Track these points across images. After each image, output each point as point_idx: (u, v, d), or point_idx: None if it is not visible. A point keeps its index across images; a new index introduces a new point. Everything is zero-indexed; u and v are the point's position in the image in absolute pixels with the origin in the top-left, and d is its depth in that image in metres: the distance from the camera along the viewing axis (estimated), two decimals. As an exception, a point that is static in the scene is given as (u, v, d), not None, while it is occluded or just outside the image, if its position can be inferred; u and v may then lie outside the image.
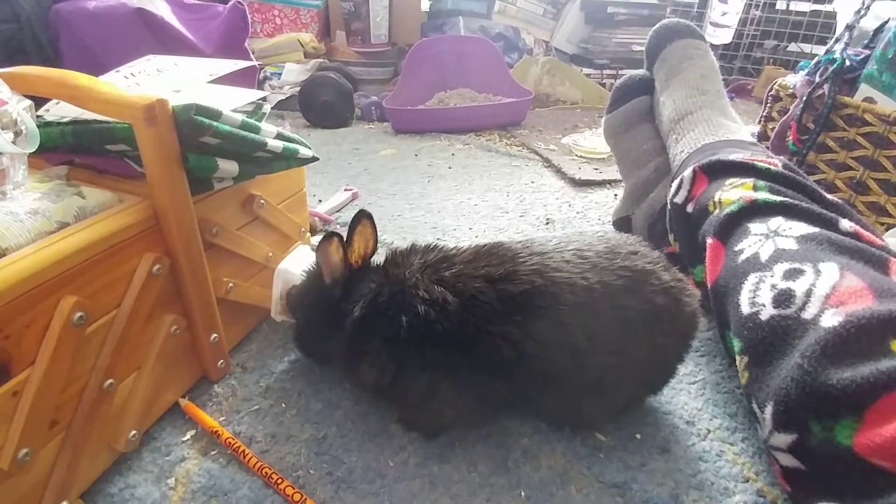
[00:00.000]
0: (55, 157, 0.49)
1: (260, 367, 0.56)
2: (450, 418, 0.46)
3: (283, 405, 0.51)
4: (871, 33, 0.80)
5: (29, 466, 0.35)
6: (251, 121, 0.46)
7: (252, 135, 0.46)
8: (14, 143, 0.39)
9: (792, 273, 0.41)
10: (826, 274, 0.39)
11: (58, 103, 0.48)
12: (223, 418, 0.49)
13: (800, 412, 0.35)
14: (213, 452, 0.46)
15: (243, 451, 0.45)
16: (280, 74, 1.64)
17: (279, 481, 0.42)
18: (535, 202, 0.97)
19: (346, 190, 0.99)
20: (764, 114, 0.90)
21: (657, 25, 0.78)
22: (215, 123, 0.42)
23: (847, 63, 0.76)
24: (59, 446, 0.38)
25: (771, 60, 1.82)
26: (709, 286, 0.50)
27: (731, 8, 1.74)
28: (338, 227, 0.87)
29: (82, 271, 0.37)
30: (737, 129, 0.65)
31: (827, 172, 0.78)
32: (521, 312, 0.41)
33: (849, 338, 0.35)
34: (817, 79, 0.76)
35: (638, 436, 0.48)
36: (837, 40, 0.82)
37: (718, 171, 0.56)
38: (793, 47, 1.78)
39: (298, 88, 1.46)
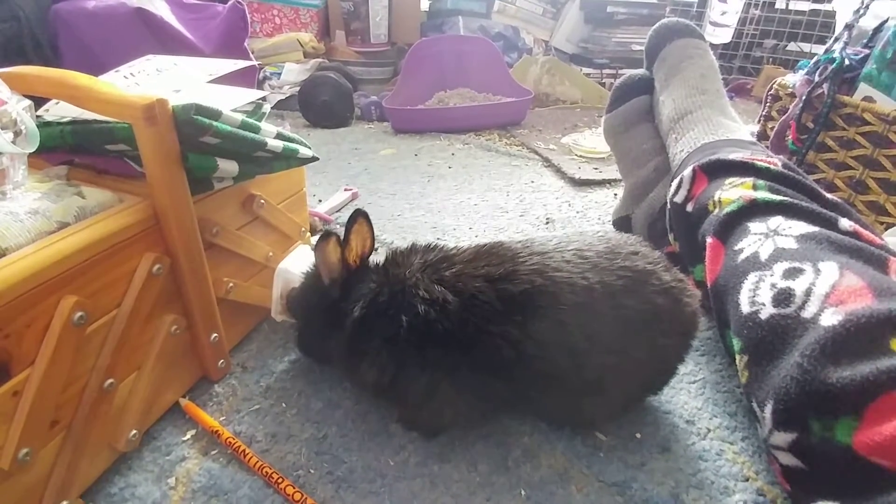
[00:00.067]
0: (55, 157, 0.49)
1: (260, 366, 0.56)
2: (450, 418, 0.46)
3: (284, 405, 0.51)
4: (871, 32, 0.80)
5: (29, 466, 0.35)
6: (251, 120, 0.46)
7: (252, 134, 0.46)
8: (14, 142, 0.39)
9: (792, 272, 0.41)
10: (826, 273, 0.40)
11: (57, 103, 0.48)
12: (223, 418, 0.49)
13: (800, 411, 0.35)
14: (213, 452, 0.46)
15: (244, 450, 0.45)
16: (279, 74, 1.64)
17: (279, 481, 0.42)
18: (534, 202, 0.97)
19: (345, 190, 0.99)
20: (763, 113, 0.90)
21: (657, 25, 0.78)
22: (215, 123, 0.42)
23: (846, 62, 0.76)
24: (60, 446, 0.38)
25: (770, 60, 1.82)
26: (708, 285, 0.50)
27: (731, 7, 1.74)
28: (337, 226, 0.87)
29: (82, 271, 0.37)
30: (736, 128, 0.65)
31: (826, 172, 0.78)
32: (521, 312, 0.41)
33: (848, 336, 0.35)
34: (817, 78, 0.77)
35: (638, 435, 0.48)
36: (837, 39, 0.82)
37: (718, 170, 0.56)
38: (792, 46, 1.78)
39: (298, 88, 1.46)
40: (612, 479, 0.44)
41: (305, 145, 0.54)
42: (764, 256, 0.44)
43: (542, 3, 1.91)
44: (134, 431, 0.44)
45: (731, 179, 0.53)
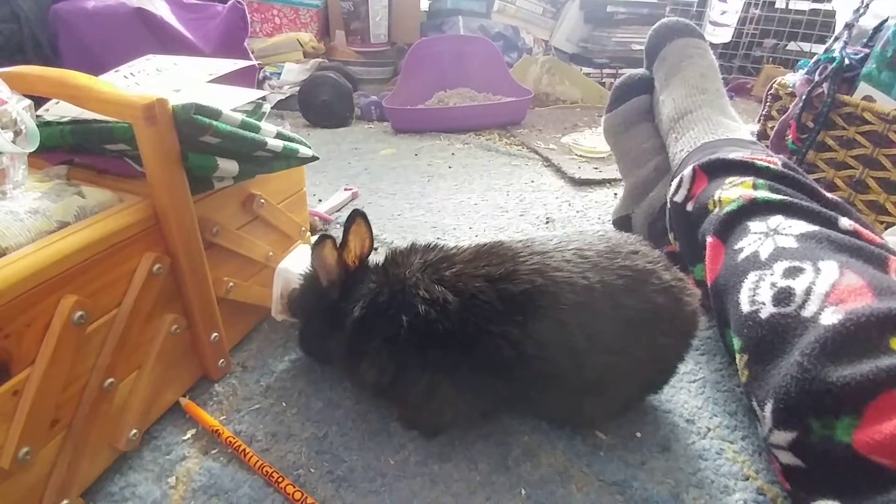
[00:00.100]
0: (55, 157, 0.49)
1: (260, 366, 0.56)
2: (450, 417, 0.46)
3: (284, 404, 0.51)
4: (870, 32, 0.80)
5: (29, 465, 0.35)
6: (251, 120, 0.46)
7: (252, 134, 0.46)
8: (14, 142, 0.39)
9: (792, 271, 0.41)
10: (826, 272, 0.40)
11: (57, 103, 0.48)
12: (224, 417, 0.49)
13: (800, 410, 0.35)
14: (213, 451, 0.46)
15: (244, 449, 0.45)
16: (279, 74, 1.63)
17: (280, 480, 0.42)
18: (535, 201, 0.97)
19: (345, 189, 0.99)
20: (763, 112, 0.90)
21: (657, 24, 0.78)
22: (215, 123, 0.42)
23: (846, 62, 0.76)
24: (60, 445, 0.38)
25: (770, 59, 1.82)
26: (709, 285, 0.50)
27: (731, 7, 1.74)
28: (337, 226, 0.87)
29: (83, 270, 0.37)
30: (736, 127, 0.65)
31: (826, 171, 0.78)
32: (521, 312, 0.41)
33: (848, 335, 0.35)
34: (817, 77, 0.77)
35: (638, 434, 0.48)
36: (837, 39, 0.82)
37: (718, 169, 0.56)
38: (792, 46, 1.78)
39: (298, 88, 1.46)
40: (612, 478, 0.44)
41: (305, 145, 0.54)
42: (764, 255, 0.44)
43: (541, 3, 1.91)
44: (134, 431, 0.44)
45: (731, 179, 0.53)
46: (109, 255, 0.39)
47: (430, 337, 0.42)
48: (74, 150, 0.48)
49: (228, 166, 0.46)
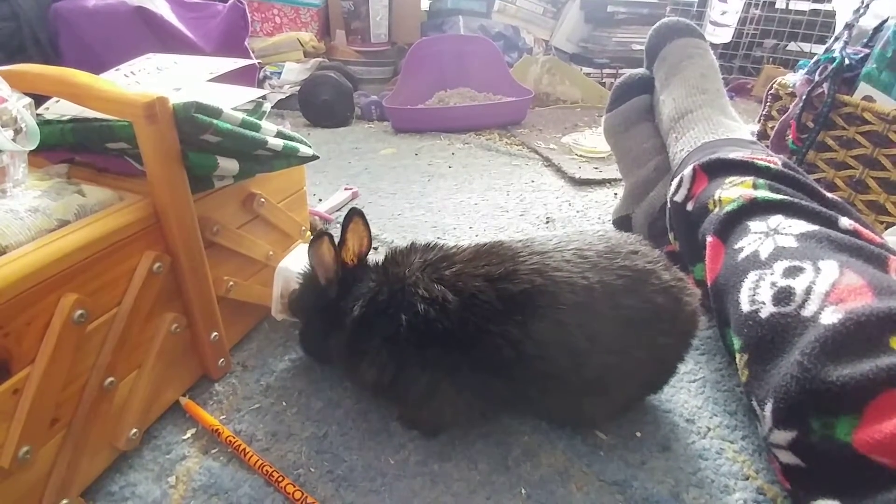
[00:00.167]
0: (55, 156, 0.49)
1: (260, 365, 0.56)
2: (450, 417, 0.46)
3: (284, 403, 0.51)
4: (871, 32, 0.80)
5: (29, 465, 0.35)
6: (251, 119, 0.46)
7: (252, 133, 0.46)
8: (14, 140, 0.39)
9: (792, 271, 0.41)
10: (826, 272, 0.40)
11: (58, 101, 0.48)
12: (224, 417, 0.49)
13: (800, 409, 0.35)
14: (213, 451, 0.46)
15: (244, 449, 0.45)
16: (280, 73, 1.63)
17: (280, 479, 0.42)
18: (535, 201, 0.97)
19: (346, 189, 0.99)
20: (763, 112, 0.90)
21: (657, 24, 0.78)
22: (215, 121, 0.42)
23: (846, 62, 0.76)
24: (60, 444, 0.38)
25: (770, 59, 1.82)
26: (709, 284, 0.50)
27: (731, 7, 1.74)
28: (338, 225, 0.87)
29: (83, 269, 0.37)
30: (736, 127, 0.65)
31: (826, 171, 0.78)
32: (520, 312, 0.41)
33: (848, 335, 0.35)
34: (817, 77, 0.77)
35: (638, 434, 0.48)
36: (837, 39, 0.82)
37: (718, 169, 0.56)
38: (792, 46, 1.78)
39: (298, 88, 1.46)
40: (612, 477, 0.44)
41: (306, 144, 0.54)
42: (764, 255, 0.44)
43: (542, 3, 1.91)
44: (134, 430, 0.44)
45: (731, 178, 0.53)
46: (110, 254, 0.39)
47: (429, 336, 0.42)
48: (75, 149, 0.48)
49: (229, 165, 0.46)
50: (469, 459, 0.45)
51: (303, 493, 0.41)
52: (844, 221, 0.46)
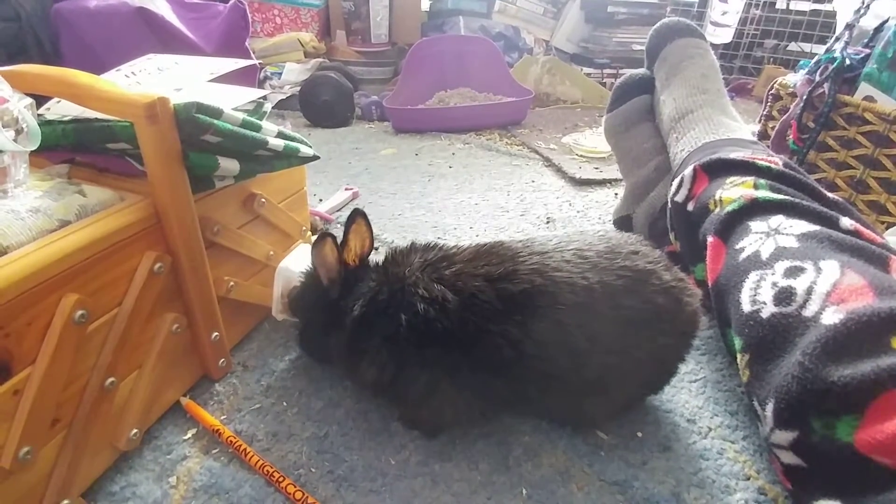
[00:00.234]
0: (56, 156, 0.49)
1: (261, 365, 0.56)
2: (450, 417, 0.46)
3: (285, 404, 0.51)
4: (871, 32, 0.80)
5: (30, 465, 0.35)
6: (252, 119, 0.46)
7: (253, 133, 0.46)
8: (15, 141, 0.39)
9: (793, 271, 0.41)
10: (827, 272, 0.39)
11: (59, 102, 0.48)
12: (224, 417, 0.49)
13: (801, 409, 0.35)
14: (214, 451, 0.46)
15: (245, 449, 0.45)
16: (280, 74, 1.64)
17: (280, 480, 0.42)
18: (535, 201, 0.97)
19: (346, 189, 0.99)
20: (764, 113, 0.90)
21: (657, 24, 0.78)
22: (216, 122, 0.42)
23: (847, 62, 0.76)
24: (61, 445, 0.38)
25: (771, 60, 1.82)
26: (709, 284, 0.50)
27: (732, 7, 1.73)
28: (338, 226, 0.87)
29: (83, 269, 0.37)
30: (737, 127, 0.65)
31: (827, 171, 0.78)
32: (520, 312, 0.41)
33: (850, 335, 0.35)
34: (817, 78, 0.77)
35: (639, 434, 0.48)
36: (837, 39, 0.82)
37: (719, 169, 0.56)
38: (793, 46, 1.78)
39: (299, 88, 1.46)
40: (613, 477, 0.44)
41: (306, 144, 0.54)
42: (765, 255, 0.44)
43: (542, 3, 1.91)
44: (135, 430, 0.44)
45: (731, 178, 0.53)
46: (110, 254, 0.39)
47: (429, 336, 0.42)
48: (76, 149, 0.48)
49: (229, 165, 0.46)
50: (470, 459, 0.45)
51: (303, 494, 0.41)
52: (845, 221, 0.46)
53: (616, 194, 0.99)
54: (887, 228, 0.70)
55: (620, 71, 1.74)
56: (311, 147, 0.55)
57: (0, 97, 0.39)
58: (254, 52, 1.05)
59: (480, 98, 1.53)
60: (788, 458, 0.37)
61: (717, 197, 0.53)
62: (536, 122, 1.46)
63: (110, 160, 0.47)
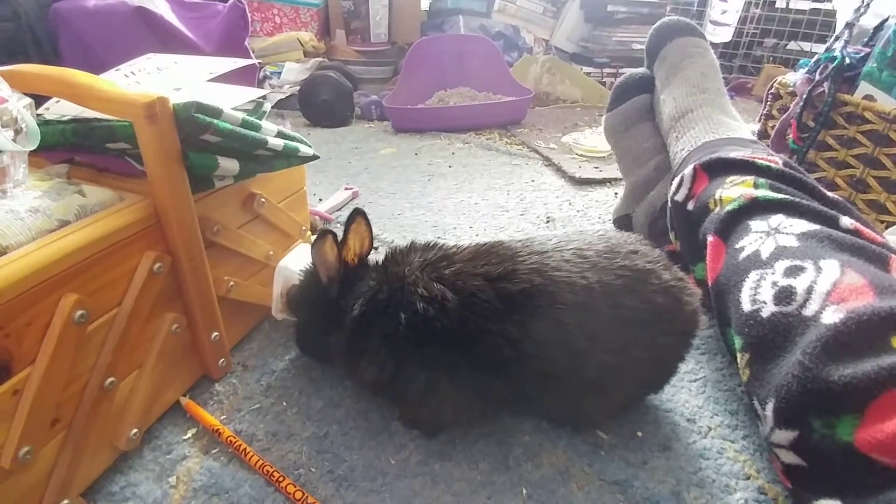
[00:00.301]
0: (55, 156, 0.49)
1: (261, 365, 0.56)
2: (450, 416, 0.46)
3: (285, 403, 0.51)
4: (871, 31, 0.80)
5: (30, 465, 0.35)
6: (252, 119, 0.46)
7: (253, 133, 0.46)
8: (14, 141, 0.39)
9: (793, 270, 0.41)
10: (827, 271, 0.39)
11: (58, 101, 0.48)
12: (224, 416, 0.49)
13: (801, 409, 0.35)
14: (214, 451, 0.46)
15: (244, 449, 0.45)
16: (280, 73, 1.63)
17: (280, 479, 0.42)
18: (535, 201, 0.97)
19: (346, 189, 0.99)
20: (764, 112, 0.90)
21: (657, 24, 0.78)
22: (216, 121, 0.42)
23: (847, 61, 0.76)
24: (60, 445, 0.38)
25: (771, 59, 1.82)
26: (709, 284, 0.50)
27: (731, 6, 1.73)
28: (338, 225, 0.87)
29: (83, 269, 0.37)
30: (737, 126, 0.65)
31: (827, 170, 0.78)
32: (519, 311, 0.41)
33: (850, 334, 0.35)
34: (817, 77, 0.76)
35: (639, 433, 0.48)
36: (837, 38, 0.82)
37: (719, 168, 0.56)
38: (793, 45, 1.78)
39: (298, 87, 1.46)
40: (613, 477, 0.44)
41: (306, 144, 0.54)
42: (765, 255, 0.44)
43: (542, 2, 1.91)
44: (135, 430, 0.44)
45: (731, 178, 0.53)
46: (110, 254, 0.39)
47: (428, 335, 0.42)
48: (75, 149, 0.48)
49: (229, 165, 0.45)
50: (470, 459, 0.45)
51: (303, 493, 0.41)
52: (845, 221, 0.46)
53: (616, 193, 0.99)
54: (887, 227, 0.70)
55: (620, 70, 1.74)
56: (310, 146, 0.55)
57: (-1, 97, 0.39)
58: (253, 52, 1.05)
59: (480, 97, 1.53)
60: (788, 457, 0.37)
61: (717, 196, 0.53)
62: (536, 121, 1.46)
63: (110, 160, 0.47)
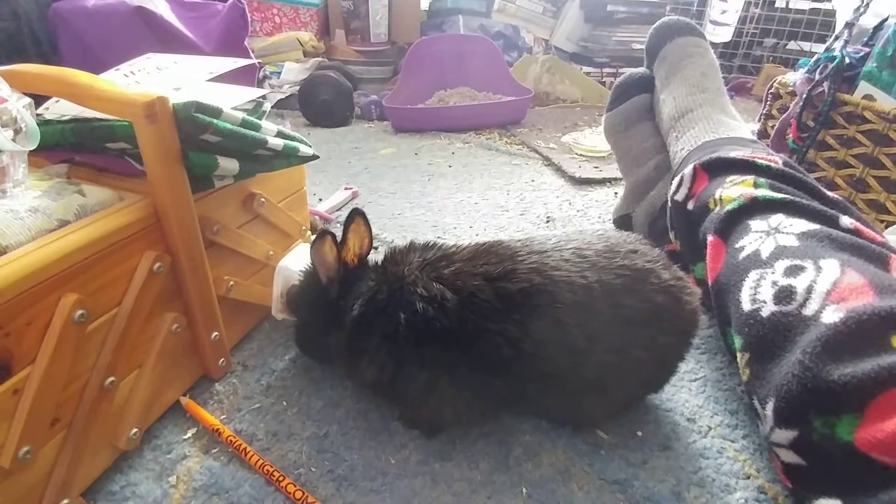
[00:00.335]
0: (55, 156, 0.49)
1: (261, 365, 0.56)
2: (450, 416, 0.46)
3: (285, 403, 0.51)
4: (871, 31, 0.80)
5: (30, 465, 0.35)
6: (252, 118, 0.46)
7: (253, 132, 0.46)
8: (14, 140, 0.39)
9: (793, 270, 0.41)
10: (827, 270, 0.39)
11: (58, 101, 0.48)
12: (224, 416, 0.49)
13: (801, 408, 0.35)
14: (214, 450, 0.46)
15: (244, 448, 0.45)
16: (279, 73, 1.63)
17: (280, 479, 0.42)
18: (535, 200, 0.97)
19: (346, 189, 0.99)
20: (764, 112, 0.90)
21: (657, 23, 0.78)
22: (215, 121, 0.42)
23: (846, 61, 0.76)
24: (60, 444, 0.38)
25: (771, 58, 1.82)
26: (709, 283, 0.50)
27: (731, 6, 1.73)
28: (338, 225, 0.87)
29: (83, 269, 0.37)
30: (737, 126, 0.65)
31: (827, 170, 0.78)
32: (519, 311, 0.41)
33: (850, 334, 0.35)
34: (817, 76, 0.76)
35: (639, 433, 0.48)
36: (837, 38, 0.82)
37: (719, 168, 0.56)
38: (792, 45, 1.78)
39: (298, 87, 1.46)
40: (613, 476, 0.44)
41: (306, 143, 0.54)
42: (765, 254, 0.44)
43: (542, 2, 1.91)
44: (135, 430, 0.44)
45: (731, 177, 0.53)
46: (110, 254, 0.39)
47: (428, 334, 0.42)
48: (75, 149, 0.48)
49: (229, 165, 0.45)
50: (470, 459, 0.45)
51: (304, 493, 0.41)
52: (845, 220, 0.46)
53: (616, 193, 0.99)
54: (887, 227, 0.70)
55: (620, 70, 1.74)
56: (310, 146, 0.55)
57: (-1, 97, 0.39)
58: (253, 52, 1.05)
59: (480, 97, 1.53)
60: (788, 456, 0.37)
61: (717, 196, 0.53)
62: (536, 121, 1.46)
63: (109, 160, 0.47)
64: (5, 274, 0.33)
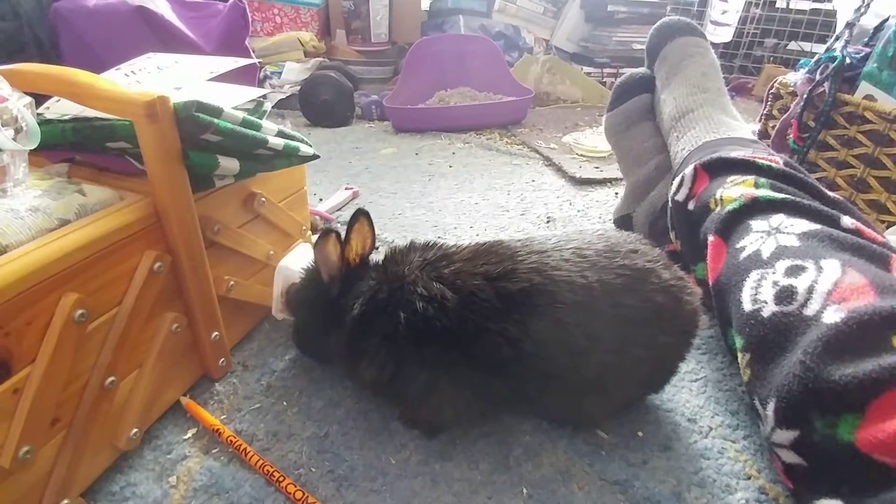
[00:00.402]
0: (56, 155, 0.49)
1: (261, 365, 0.56)
2: (450, 415, 0.46)
3: (285, 403, 0.51)
4: (872, 31, 0.80)
5: (30, 464, 0.35)
6: (252, 118, 0.46)
7: (253, 132, 0.46)
8: (15, 140, 0.39)
9: (794, 270, 0.41)
10: (828, 270, 0.39)
11: (58, 101, 0.48)
12: (224, 416, 0.49)
13: (802, 408, 0.35)
14: (214, 450, 0.46)
15: (245, 449, 0.45)
16: (280, 73, 1.63)
17: (281, 479, 0.42)
18: (535, 201, 0.97)
19: (346, 189, 0.99)
20: (764, 112, 0.90)
21: (658, 23, 0.78)
22: (216, 121, 0.42)
23: (847, 61, 0.76)
24: (60, 444, 0.38)
25: (771, 59, 1.81)
26: (710, 283, 0.50)
27: (732, 6, 1.73)
28: (338, 225, 0.87)
29: (83, 268, 0.37)
30: (738, 126, 0.65)
31: (828, 170, 0.78)
32: (519, 310, 0.41)
33: (851, 334, 0.35)
34: (818, 77, 0.76)
35: (640, 433, 0.48)
36: (838, 38, 0.82)
37: (719, 168, 0.56)
38: (793, 45, 1.78)
39: (299, 87, 1.46)
40: (613, 477, 0.43)
41: (306, 143, 0.54)
42: (766, 254, 0.44)
43: (542, 2, 1.91)
44: (135, 430, 0.44)
45: (732, 177, 0.53)
46: (110, 254, 0.39)
47: (428, 334, 0.42)
48: (75, 148, 0.48)
49: (229, 164, 0.45)
50: (470, 459, 0.45)
51: (304, 493, 0.41)
52: (846, 220, 0.46)
53: (616, 193, 0.99)
54: (888, 227, 0.70)
55: (620, 70, 1.74)
56: (311, 146, 0.55)
57: (-1, 96, 0.39)
58: (253, 52, 1.05)
59: (480, 97, 1.53)
60: (789, 457, 0.37)
61: (717, 196, 0.53)
62: (536, 121, 1.46)
63: (110, 159, 0.47)
64: (5, 273, 0.32)
